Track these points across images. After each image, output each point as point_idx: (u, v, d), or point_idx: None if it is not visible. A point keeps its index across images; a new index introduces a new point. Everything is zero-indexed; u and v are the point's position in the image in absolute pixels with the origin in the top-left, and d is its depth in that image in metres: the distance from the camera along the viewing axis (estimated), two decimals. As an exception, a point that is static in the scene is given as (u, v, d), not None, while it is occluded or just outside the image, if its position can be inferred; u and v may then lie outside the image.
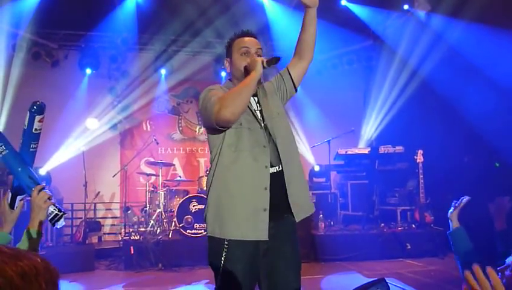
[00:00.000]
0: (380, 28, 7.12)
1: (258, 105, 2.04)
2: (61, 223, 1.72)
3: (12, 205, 1.73)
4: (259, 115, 2.00)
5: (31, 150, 1.72)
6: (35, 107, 1.67)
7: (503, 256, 1.55)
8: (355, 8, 6.86)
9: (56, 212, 1.69)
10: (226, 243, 1.86)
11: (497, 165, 5.32)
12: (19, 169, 1.70)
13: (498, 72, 4.86)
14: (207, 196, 1.99)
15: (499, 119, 4.87)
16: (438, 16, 6.08)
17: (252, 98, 2.02)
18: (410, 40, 6.63)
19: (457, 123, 5.47)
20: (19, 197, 1.73)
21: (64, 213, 1.72)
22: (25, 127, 1.68)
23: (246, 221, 1.87)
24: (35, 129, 1.69)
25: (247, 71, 1.95)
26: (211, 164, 2.02)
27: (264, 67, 1.88)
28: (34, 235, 1.61)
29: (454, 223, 2.32)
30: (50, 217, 1.69)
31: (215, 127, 1.89)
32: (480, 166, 5.49)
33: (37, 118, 1.67)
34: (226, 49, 2.12)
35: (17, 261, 0.77)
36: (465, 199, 2.36)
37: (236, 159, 1.90)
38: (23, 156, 1.72)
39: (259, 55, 2.00)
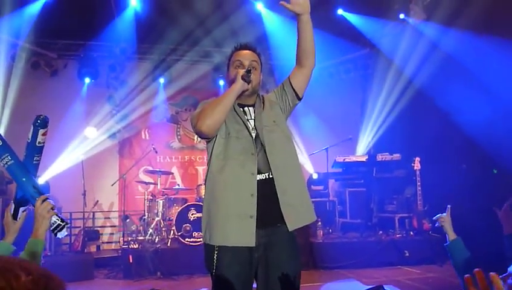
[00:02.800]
0: (376, 37, 7.18)
1: (253, 114, 2.08)
2: (63, 233, 1.74)
3: (15, 216, 1.75)
4: (252, 124, 2.04)
5: (34, 162, 1.75)
6: (39, 121, 1.69)
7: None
8: (352, 18, 6.92)
9: (59, 222, 1.71)
10: (216, 249, 1.91)
11: (495, 171, 5.35)
12: (24, 179, 1.72)
13: (494, 79, 4.92)
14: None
15: (496, 126, 4.91)
16: (433, 25, 6.15)
17: (248, 108, 2.08)
18: (406, 48, 6.69)
19: (454, 130, 5.50)
20: (21, 208, 1.75)
21: (66, 223, 1.74)
22: (29, 140, 1.70)
23: (232, 227, 1.90)
24: (39, 142, 1.71)
25: (233, 84, 2.02)
26: None
27: (244, 80, 1.94)
28: (37, 245, 1.63)
29: (450, 235, 2.26)
30: (53, 227, 1.71)
31: (200, 138, 2.03)
32: (478, 173, 5.52)
33: (41, 131, 1.70)
34: (227, 62, 2.19)
35: None
36: (448, 207, 2.33)
37: (223, 167, 1.96)
38: (27, 167, 1.74)
39: (253, 68, 2.05)
